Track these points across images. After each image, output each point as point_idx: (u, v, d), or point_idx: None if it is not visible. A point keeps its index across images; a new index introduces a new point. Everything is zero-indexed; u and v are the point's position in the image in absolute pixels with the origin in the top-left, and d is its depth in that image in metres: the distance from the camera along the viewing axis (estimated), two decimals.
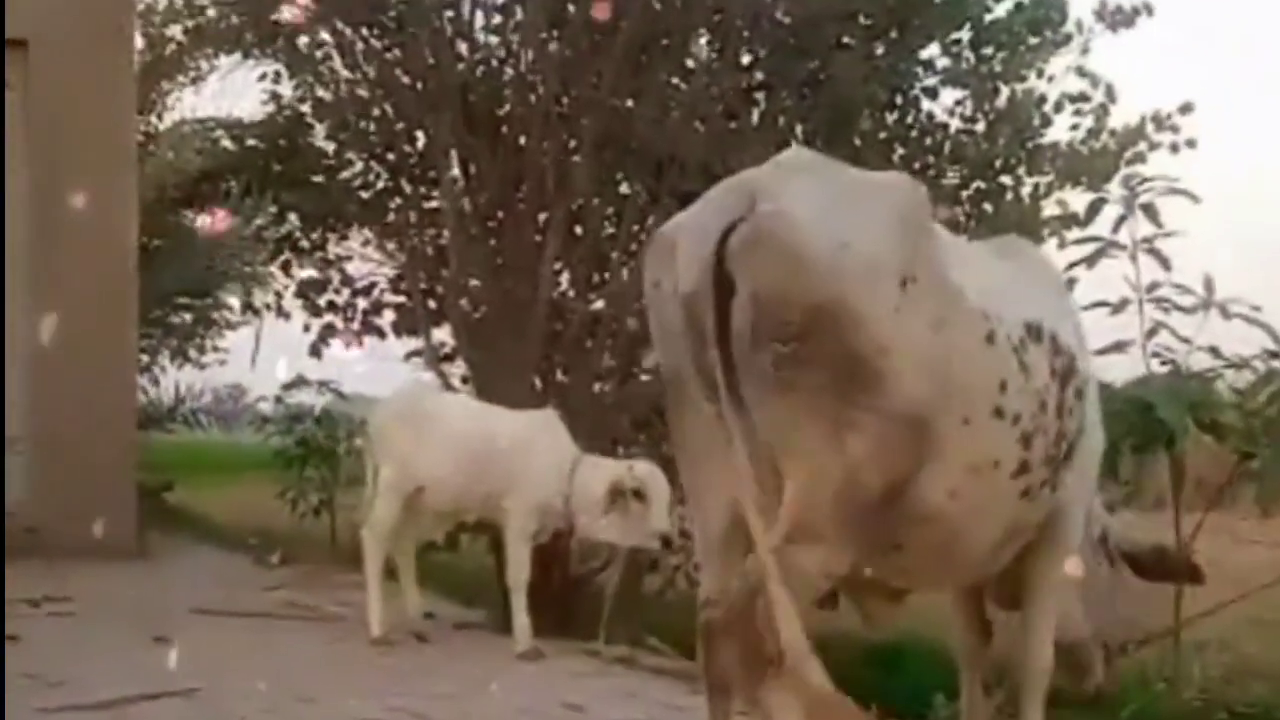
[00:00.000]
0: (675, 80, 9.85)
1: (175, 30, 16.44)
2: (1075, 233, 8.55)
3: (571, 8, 9.74)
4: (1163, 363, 7.04)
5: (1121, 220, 7.12)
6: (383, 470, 7.19)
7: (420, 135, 10.23)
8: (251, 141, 11.94)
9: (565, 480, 6.93)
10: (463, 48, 10.00)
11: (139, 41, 15.92)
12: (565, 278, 9.81)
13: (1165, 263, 7.01)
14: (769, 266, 3.56)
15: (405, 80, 10.00)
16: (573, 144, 9.63)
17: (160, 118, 16.82)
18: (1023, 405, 3.93)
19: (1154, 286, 6.99)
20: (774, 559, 3.54)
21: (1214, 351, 6.96)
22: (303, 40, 10.68)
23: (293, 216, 11.11)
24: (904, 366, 3.60)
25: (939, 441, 3.71)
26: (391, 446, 7.18)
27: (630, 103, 9.64)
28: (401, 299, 10.52)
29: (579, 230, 9.78)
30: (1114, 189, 7.61)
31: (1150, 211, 7.04)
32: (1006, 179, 10.32)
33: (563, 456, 7.00)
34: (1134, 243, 7.02)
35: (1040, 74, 10.36)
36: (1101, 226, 7.29)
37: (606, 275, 9.81)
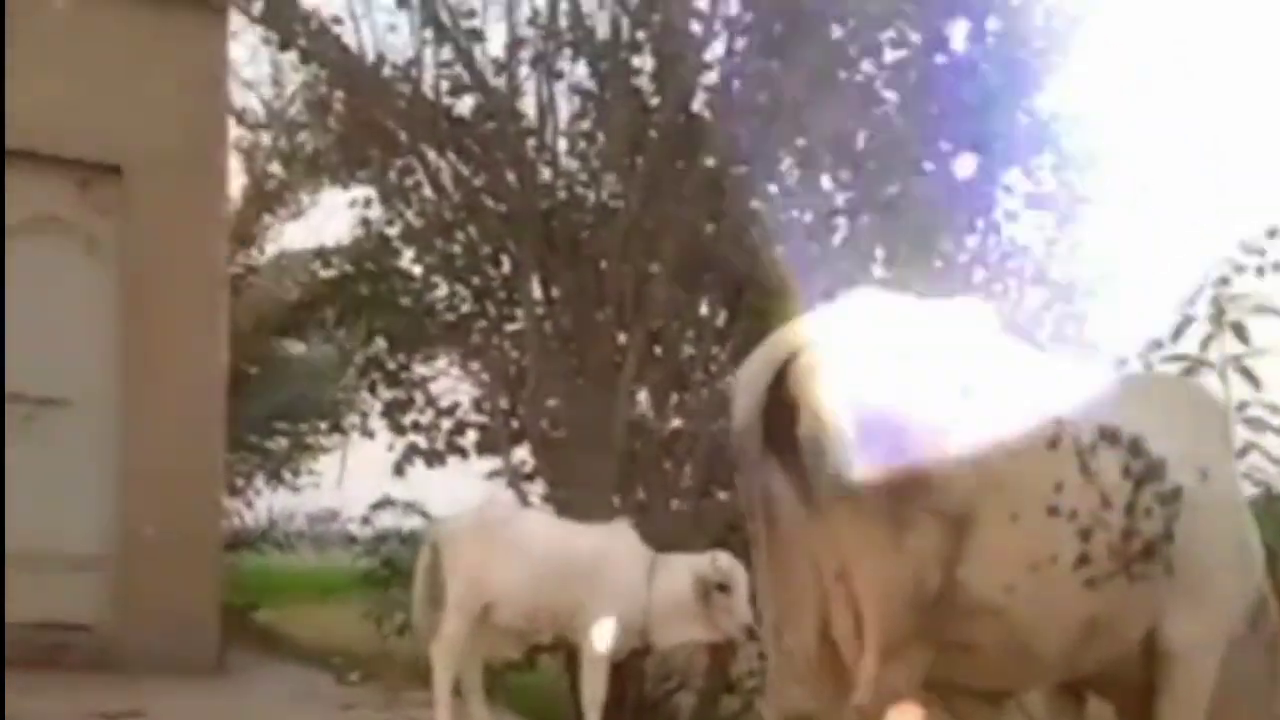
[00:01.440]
0: (756, 203, 9.88)
1: (276, 167, 17.14)
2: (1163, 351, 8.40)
3: (653, 133, 9.86)
4: (1255, 484, 6.86)
5: (1209, 338, 7.02)
6: (451, 586, 7.13)
7: (504, 258, 10.34)
8: (345, 268, 12.12)
9: (644, 587, 6.85)
10: (546, 172, 10.16)
11: (242, 177, 16.55)
12: (644, 397, 9.80)
13: (1255, 381, 6.89)
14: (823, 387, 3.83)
15: (489, 204, 10.15)
16: (653, 267, 9.68)
17: (262, 250, 17.36)
18: (1080, 501, 4.07)
19: (1244, 405, 6.86)
20: (870, 689, 3.79)
21: None
22: (394, 168, 10.87)
23: (379, 339, 11.21)
24: (956, 470, 3.83)
25: (984, 536, 3.89)
26: (461, 561, 7.12)
27: (710, 226, 9.70)
28: (483, 419, 10.54)
29: (658, 350, 9.79)
30: (1200, 308, 7.51)
31: (1238, 329, 6.94)
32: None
33: (639, 565, 6.93)
34: (1223, 361, 6.91)
35: None
36: (1188, 345, 7.20)
37: (685, 395, 9.78)
